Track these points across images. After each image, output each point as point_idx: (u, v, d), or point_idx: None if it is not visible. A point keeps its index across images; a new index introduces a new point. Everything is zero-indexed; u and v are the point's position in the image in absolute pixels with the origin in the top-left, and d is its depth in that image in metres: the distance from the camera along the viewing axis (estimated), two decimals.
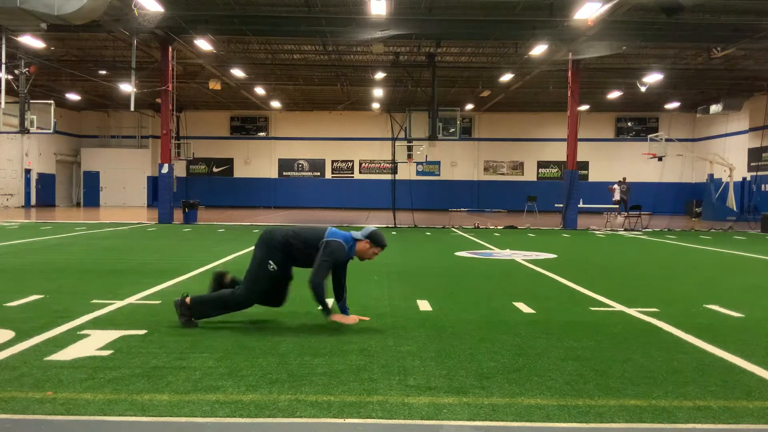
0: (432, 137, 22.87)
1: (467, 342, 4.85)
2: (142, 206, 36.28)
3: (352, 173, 38.34)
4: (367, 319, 5.34)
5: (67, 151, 37.19)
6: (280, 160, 38.42)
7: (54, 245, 12.26)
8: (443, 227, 20.22)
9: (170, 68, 20.60)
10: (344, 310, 5.36)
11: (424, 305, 6.40)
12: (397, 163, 25.59)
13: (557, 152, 34.86)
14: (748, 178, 29.44)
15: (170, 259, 10.31)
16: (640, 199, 26.84)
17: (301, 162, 38.41)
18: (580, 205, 23.16)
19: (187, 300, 5.22)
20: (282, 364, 4.16)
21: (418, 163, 36.24)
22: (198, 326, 5.18)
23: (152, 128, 36.94)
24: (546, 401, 3.53)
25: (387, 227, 19.69)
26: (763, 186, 28.97)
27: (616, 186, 27.77)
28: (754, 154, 29.49)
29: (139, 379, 3.80)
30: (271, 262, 5.18)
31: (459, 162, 37.97)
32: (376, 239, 5.28)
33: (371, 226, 5.41)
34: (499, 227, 20.76)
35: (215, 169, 38.38)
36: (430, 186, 37.47)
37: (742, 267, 10.65)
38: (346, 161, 38.27)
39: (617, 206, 27.41)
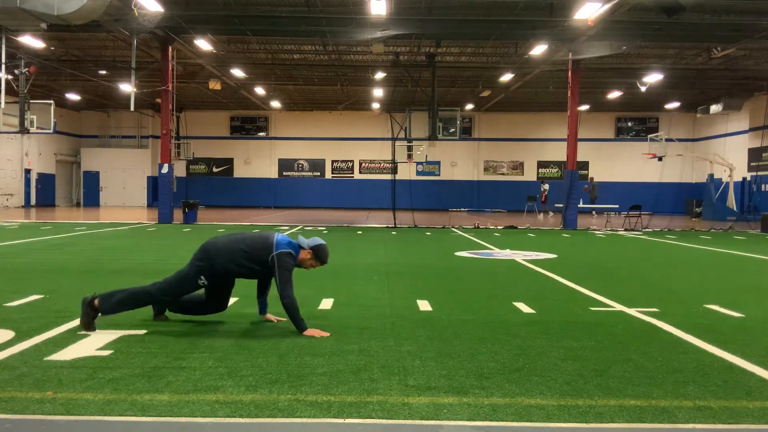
0: (432, 137, 22.86)
1: (467, 342, 4.85)
2: (142, 206, 36.27)
3: (352, 173, 38.33)
4: (327, 335, 4.95)
5: (67, 151, 37.18)
6: (280, 160, 38.42)
7: (54, 245, 12.25)
8: (443, 227, 20.21)
9: (170, 68, 20.60)
10: (264, 306, 5.47)
11: (424, 305, 6.39)
12: (397, 163, 25.57)
13: (557, 152, 34.86)
14: (748, 178, 29.44)
15: (170, 259, 10.29)
16: (640, 199, 26.83)
17: (301, 162, 38.41)
18: (580, 205, 23.15)
19: (96, 302, 5.02)
20: (282, 364, 4.15)
21: (418, 163, 36.25)
22: (96, 330, 4.97)
23: (152, 128, 36.94)
24: (546, 401, 3.52)
25: (387, 227, 19.70)
26: (763, 186, 28.97)
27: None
28: (754, 154, 29.49)
29: (139, 379, 3.79)
30: (203, 277, 5.10)
31: (459, 162, 37.96)
32: (319, 254, 5.20)
33: (319, 239, 5.25)
34: (499, 227, 20.75)
35: (215, 169, 38.38)
36: (430, 186, 37.46)
37: (743, 267, 10.64)
38: (346, 161, 38.26)
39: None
